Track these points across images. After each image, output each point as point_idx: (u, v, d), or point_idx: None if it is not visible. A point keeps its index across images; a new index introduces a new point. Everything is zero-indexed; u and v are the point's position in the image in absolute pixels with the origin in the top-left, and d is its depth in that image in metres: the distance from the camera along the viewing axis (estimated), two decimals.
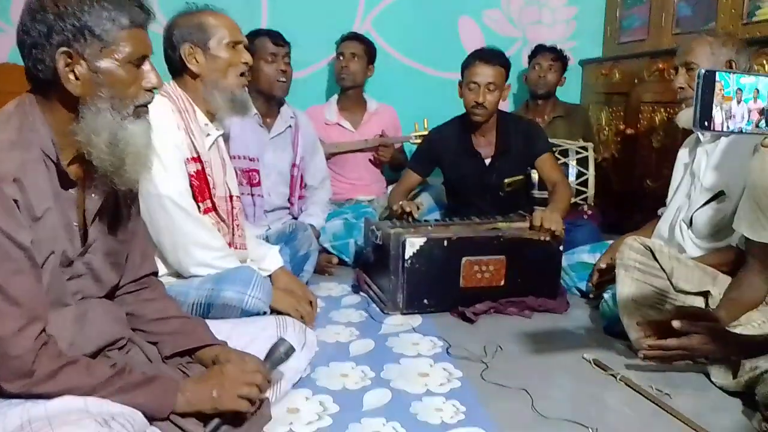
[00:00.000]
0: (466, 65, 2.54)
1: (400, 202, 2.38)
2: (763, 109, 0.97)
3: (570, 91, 3.61)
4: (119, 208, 1.32)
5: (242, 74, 1.82)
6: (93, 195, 1.23)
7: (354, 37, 3.19)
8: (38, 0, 1.10)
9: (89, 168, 1.19)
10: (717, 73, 0.95)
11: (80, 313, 1.23)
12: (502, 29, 3.71)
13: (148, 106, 1.22)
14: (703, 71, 0.94)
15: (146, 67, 1.19)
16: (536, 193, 2.70)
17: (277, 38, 2.60)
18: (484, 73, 2.47)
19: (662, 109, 2.97)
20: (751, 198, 1.69)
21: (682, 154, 2.16)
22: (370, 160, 3.25)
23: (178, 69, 1.80)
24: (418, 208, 2.35)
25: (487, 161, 2.63)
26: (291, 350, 1.41)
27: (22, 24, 1.11)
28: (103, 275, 1.28)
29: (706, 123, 0.95)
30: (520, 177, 2.64)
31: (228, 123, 2.03)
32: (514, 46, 3.68)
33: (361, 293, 2.40)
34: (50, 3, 1.09)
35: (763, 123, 0.98)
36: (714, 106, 0.95)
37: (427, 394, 1.61)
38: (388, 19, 3.58)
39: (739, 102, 0.96)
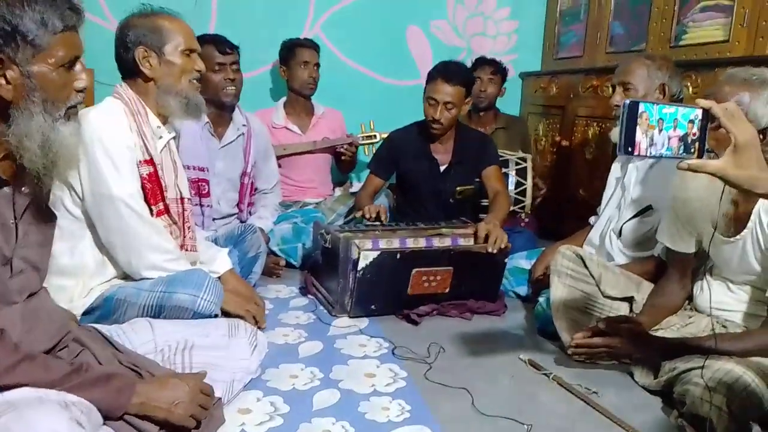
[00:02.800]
0: (429, 79, 2.59)
1: (369, 207, 2.44)
2: (681, 136, 1.08)
3: (510, 102, 3.76)
4: (41, 194, 1.30)
5: (194, 80, 1.83)
6: (23, 190, 1.22)
7: (312, 45, 3.20)
8: None
9: (18, 165, 1.18)
10: (641, 104, 1.04)
11: (27, 313, 1.24)
12: (448, 39, 3.83)
13: (77, 105, 1.21)
14: (627, 102, 1.03)
15: (77, 68, 1.18)
16: (485, 201, 2.80)
17: (222, 46, 2.56)
18: (444, 91, 2.53)
19: (595, 124, 3.15)
20: (673, 211, 1.85)
21: (615, 168, 2.31)
22: (333, 157, 3.28)
23: (130, 70, 1.78)
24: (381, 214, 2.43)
25: (443, 168, 2.72)
26: None
27: None
28: (40, 263, 1.29)
29: (629, 148, 1.04)
30: (471, 186, 2.75)
31: (179, 125, 2.02)
32: (458, 57, 3.79)
33: (309, 296, 2.44)
34: None
35: (682, 149, 1.08)
36: (638, 133, 1.03)
37: (375, 394, 1.68)
38: (337, 24, 3.62)
39: (660, 130, 1.05)
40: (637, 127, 1.03)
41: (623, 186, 2.22)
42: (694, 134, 1.07)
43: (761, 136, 1.52)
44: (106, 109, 1.75)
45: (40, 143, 1.13)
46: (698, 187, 1.73)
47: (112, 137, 1.69)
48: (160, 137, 1.83)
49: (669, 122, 1.06)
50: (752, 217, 1.63)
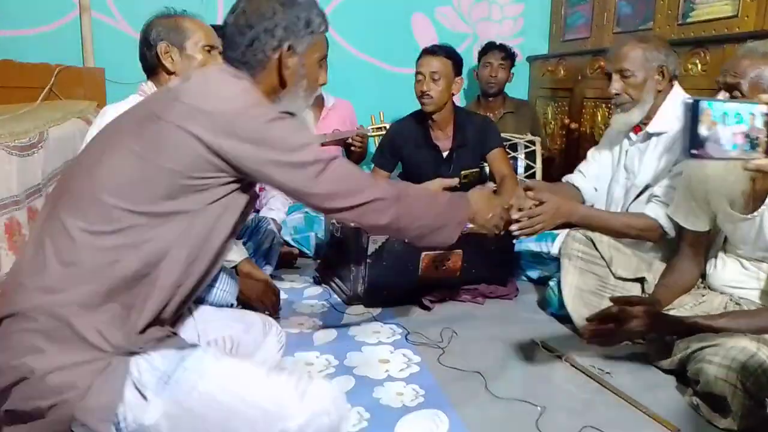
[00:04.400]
0: (417, 60, 2.65)
1: None
2: (745, 133, 1.01)
3: (518, 86, 3.74)
4: None
5: None
6: None
7: None
8: (269, 4, 1.29)
9: None
10: (702, 101, 0.98)
11: None
12: (453, 25, 3.82)
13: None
14: (690, 101, 0.98)
15: (323, 65, 1.42)
16: (491, 185, 2.80)
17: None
18: (429, 63, 2.58)
19: (603, 105, 3.13)
20: (687, 190, 1.83)
21: (607, 152, 2.28)
22: (344, 149, 3.26)
23: (153, 66, 1.83)
24: None
25: (445, 154, 2.72)
26: None
27: (247, 19, 1.28)
28: None
29: (694, 150, 0.98)
30: (476, 170, 2.75)
31: None
32: (464, 42, 3.79)
33: (323, 285, 2.46)
34: (279, 8, 1.29)
35: (747, 146, 1.02)
36: (702, 131, 0.98)
37: (389, 380, 1.70)
38: (343, 15, 3.60)
39: (724, 127, 0.99)
40: (701, 125, 0.98)
41: (626, 167, 2.17)
42: (759, 131, 1.02)
43: None
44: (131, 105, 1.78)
45: None
46: (716, 165, 1.71)
47: None
48: None
49: (732, 119, 1.00)
50: None
